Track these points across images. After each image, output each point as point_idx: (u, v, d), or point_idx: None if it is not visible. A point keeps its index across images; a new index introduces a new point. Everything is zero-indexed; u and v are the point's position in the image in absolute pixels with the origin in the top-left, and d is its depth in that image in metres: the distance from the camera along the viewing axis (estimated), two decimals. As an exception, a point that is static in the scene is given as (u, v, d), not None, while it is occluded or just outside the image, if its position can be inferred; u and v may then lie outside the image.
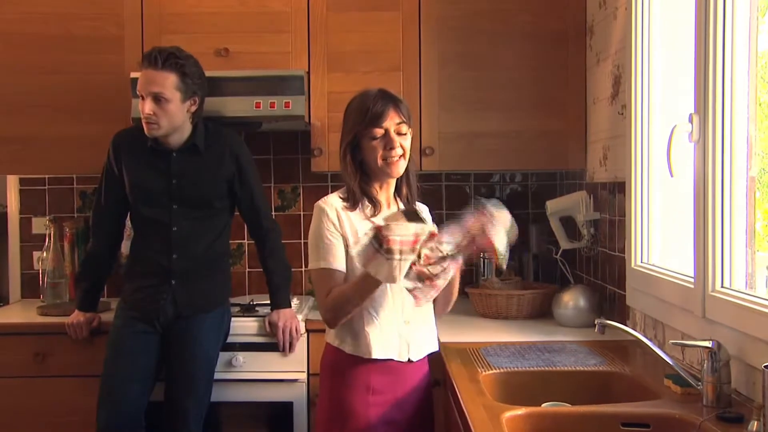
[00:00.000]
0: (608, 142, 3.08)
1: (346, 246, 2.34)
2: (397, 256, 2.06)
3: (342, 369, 2.37)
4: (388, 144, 2.34)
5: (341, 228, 2.36)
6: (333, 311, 2.32)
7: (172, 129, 2.92)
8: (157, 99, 2.85)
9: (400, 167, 2.39)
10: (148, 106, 2.85)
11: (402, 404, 2.38)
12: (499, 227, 2.21)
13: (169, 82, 2.86)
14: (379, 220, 2.34)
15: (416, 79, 3.37)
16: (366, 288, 2.23)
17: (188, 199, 2.99)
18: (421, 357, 2.43)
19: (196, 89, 2.94)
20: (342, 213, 2.37)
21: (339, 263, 2.35)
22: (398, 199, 2.48)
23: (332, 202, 2.40)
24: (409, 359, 2.39)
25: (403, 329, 2.38)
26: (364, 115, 2.34)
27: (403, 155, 2.38)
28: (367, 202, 2.40)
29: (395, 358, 2.36)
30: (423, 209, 2.54)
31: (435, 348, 2.51)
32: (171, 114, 2.88)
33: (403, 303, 2.36)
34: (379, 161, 2.35)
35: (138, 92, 2.90)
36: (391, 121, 2.34)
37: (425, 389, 2.47)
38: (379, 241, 2.07)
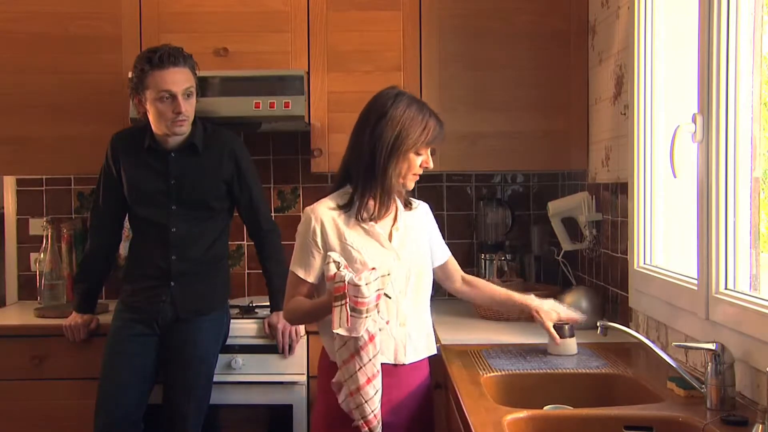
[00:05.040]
0: (610, 142, 3.06)
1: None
2: (364, 315, 2.14)
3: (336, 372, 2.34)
4: (422, 164, 2.39)
5: (325, 239, 2.35)
6: (291, 315, 2.46)
7: (191, 123, 2.96)
8: (187, 95, 2.88)
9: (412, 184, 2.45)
10: (184, 104, 2.87)
11: (399, 408, 2.35)
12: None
13: (191, 76, 2.92)
14: (370, 225, 2.36)
15: (417, 79, 3.35)
16: (323, 312, 2.27)
17: (187, 200, 2.97)
18: (417, 360, 2.40)
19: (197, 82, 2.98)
20: (328, 222, 2.36)
21: (310, 276, 2.37)
22: (397, 199, 2.47)
23: (320, 213, 2.38)
24: (402, 363, 2.36)
25: (398, 331, 2.36)
26: (426, 133, 2.35)
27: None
28: (366, 208, 2.37)
29: (388, 362, 2.32)
30: (423, 206, 2.56)
31: (432, 352, 2.48)
32: (194, 107, 2.95)
33: (398, 304, 2.34)
34: (409, 176, 2.38)
35: (165, 92, 2.85)
36: (434, 144, 2.41)
37: (424, 393, 2.45)
38: (351, 306, 2.13)
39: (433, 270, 2.56)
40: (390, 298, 2.22)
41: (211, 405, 2.99)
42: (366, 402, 2.17)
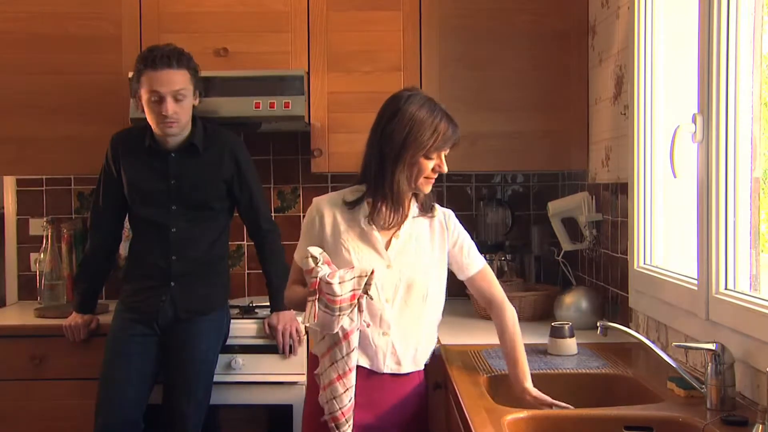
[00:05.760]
0: (610, 142, 3.06)
1: (324, 248, 2.30)
2: (337, 313, 2.12)
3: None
4: (435, 168, 2.32)
5: (322, 233, 2.34)
6: (287, 302, 2.49)
7: (186, 125, 2.95)
8: (177, 97, 2.86)
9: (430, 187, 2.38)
10: (171, 106, 2.85)
11: (385, 413, 2.32)
12: None
13: (185, 78, 2.89)
14: (369, 228, 2.32)
15: (417, 79, 3.34)
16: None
17: (187, 200, 2.97)
18: (399, 373, 2.34)
19: (200, 83, 2.97)
20: (328, 216, 2.34)
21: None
22: (415, 199, 2.42)
23: (323, 206, 2.36)
24: (383, 372, 2.32)
25: (380, 339, 2.30)
26: (434, 137, 2.26)
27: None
28: (379, 215, 2.32)
29: (368, 367, 2.30)
30: (443, 215, 2.46)
31: (419, 367, 2.40)
32: (187, 110, 2.92)
33: (382, 312, 2.30)
34: (420, 180, 2.31)
35: (153, 93, 2.85)
36: (448, 149, 2.34)
37: (415, 401, 2.40)
38: (324, 302, 2.12)
39: (465, 281, 2.47)
40: (372, 299, 2.18)
41: (211, 405, 2.99)
42: (335, 398, 2.17)
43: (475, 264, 2.45)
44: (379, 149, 2.30)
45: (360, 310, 2.16)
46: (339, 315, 2.12)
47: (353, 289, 2.13)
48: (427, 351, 2.42)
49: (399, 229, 2.37)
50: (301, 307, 2.41)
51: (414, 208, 2.41)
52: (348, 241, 2.32)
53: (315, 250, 2.19)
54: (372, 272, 2.15)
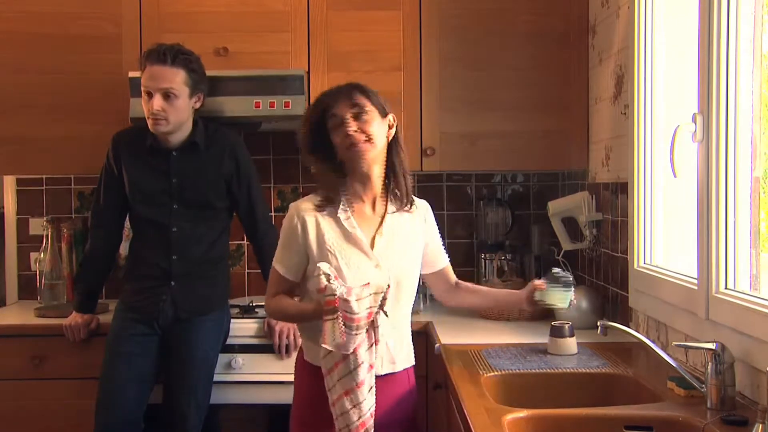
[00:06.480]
0: (610, 142, 3.06)
1: (308, 256, 2.29)
2: (354, 332, 2.10)
3: (316, 372, 2.27)
4: (346, 130, 2.24)
5: (305, 240, 2.28)
6: (273, 313, 2.45)
7: (178, 125, 2.93)
8: (167, 95, 2.86)
9: (363, 152, 2.25)
10: (157, 103, 2.85)
11: (386, 416, 2.29)
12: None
13: (178, 78, 2.87)
14: (353, 228, 2.29)
15: (417, 78, 3.35)
16: (308, 319, 2.27)
17: (188, 199, 2.98)
18: (394, 372, 2.33)
19: (201, 85, 2.96)
20: (310, 222, 2.29)
21: (291, 273, 2.33)
22: (390, 198, 2.37)
23: (303, 211, 2.31)
24: (378, 374, 2.27)
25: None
26: (318, 107, 2.31)
27: (369, 140, 2.25)
28: (342, 205, 2.32)
29: None
30: (422, 208, 2.45)
31: (411, 363, 2.40)
32: (179, 110, 2.89)
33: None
34: (342, 152, 2.27)
35: (144, 88, 2.88)
36: (344, 106, 2.26)
37: (412, 399, 2.39)
38: (341, 321, 2.09)
39: (426, 275, 2.50)
40: (387, 315, 2.15)
41: (211, 405, 2.99)
42: (348, 412, 2.13)
43: (445, 256, 2.53)
44: (310, 155, 2.34)
45: (375, 326, 2.13)
46: (356, 334, 2.09)
47: (370, 307, 2.11)
48: (411, 343, 2.44)
49: (381, 226, 2.33)
50: (292, 321, 2.38)
51: (391, 204, 2.37)
52: (333, 245, 2.27)
53: (324, 266, 2.16)
54: (388, 287, 2.13)
